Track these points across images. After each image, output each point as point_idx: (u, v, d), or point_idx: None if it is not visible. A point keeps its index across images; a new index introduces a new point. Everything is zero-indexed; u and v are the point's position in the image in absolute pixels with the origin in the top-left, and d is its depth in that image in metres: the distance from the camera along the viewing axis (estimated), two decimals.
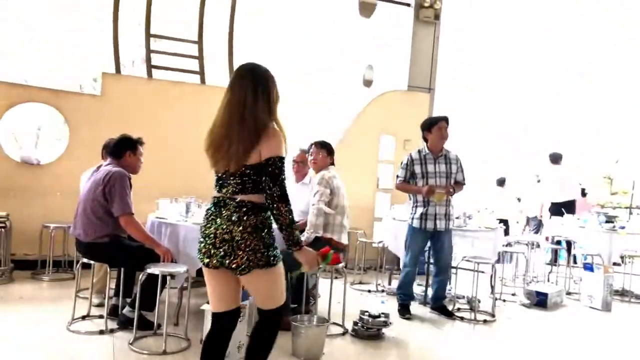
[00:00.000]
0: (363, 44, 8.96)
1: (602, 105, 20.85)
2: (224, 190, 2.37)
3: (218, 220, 2.32)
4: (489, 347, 4.30)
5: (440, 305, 4.99)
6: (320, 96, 21.95)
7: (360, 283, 5.99)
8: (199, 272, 4.76)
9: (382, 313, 4.21)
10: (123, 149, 4.02)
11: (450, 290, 5.55)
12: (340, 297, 4.37)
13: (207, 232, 2.36)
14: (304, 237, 4.04)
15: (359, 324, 4.15)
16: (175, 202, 4.52)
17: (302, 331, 3.59)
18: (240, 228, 2.28)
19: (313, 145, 4.52)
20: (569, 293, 6.13)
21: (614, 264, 6.80)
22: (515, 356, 4.10)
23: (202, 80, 6.71)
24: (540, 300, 5.50)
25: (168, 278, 3.58)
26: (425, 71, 7.34)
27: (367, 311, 4.20)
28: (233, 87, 2.36)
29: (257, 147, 2.28)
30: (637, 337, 4.86)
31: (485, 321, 4.84)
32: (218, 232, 2.31)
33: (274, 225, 2.37)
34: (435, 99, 7.50)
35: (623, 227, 6.30)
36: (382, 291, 5.72)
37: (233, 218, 2.29)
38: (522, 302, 5.60)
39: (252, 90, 2.32)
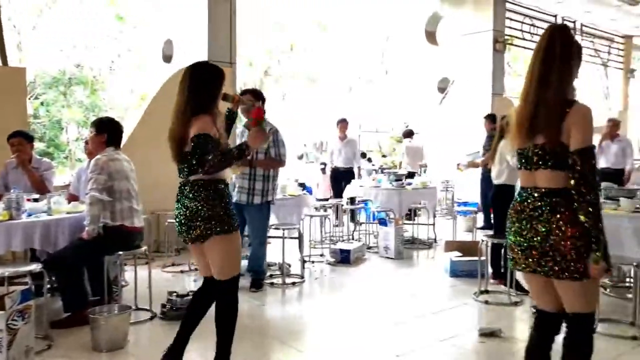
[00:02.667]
0: (162, 18, 8.55)
1: (395, 75, 22.96)
2: (181, 175, 2.78)
3: (181, 201, 2.74)
4: (298, 306, 4.57)
5: (255, 279, 4.94)
6: (126, 77, 20.53)
7: (173, 265, 5.84)
8: None
9: (191, 291, 4.15)
10: None
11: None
12: (150, 282, 4.22)
13: (176, 214, 2.80)
14: (87, 229, 3.77)
15: (167, 306, 4.04)
16: None
17: (101, 322, 3.38)
18: (195, 202, 2.67)
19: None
20: (369, 247, 6.75)
21: (406, 216, 7.67)
22: (321, 309, 4.41)
23: None
24: (344, 257, 5.96)
25: None
26: (225, 44, 7.27)
27: (175, 292, 4.10)
28: (178, 87, 2.75)
29: (185, 139, 2.66)
30: (421, 275, 5.57)
31: (294, 283, 5.10)
32: (181, 211, 2.74)
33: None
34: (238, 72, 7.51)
35: (410, 184, 7.10)
36: (196, 269, 5.65)
37: (190, 196, 2.69)
38: (329, 260, 6.02)
39: (190, 89, 2.69)
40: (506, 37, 10.55)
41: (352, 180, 7.97)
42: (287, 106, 19.60)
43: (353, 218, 7.70)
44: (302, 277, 5.27)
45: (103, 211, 3.85)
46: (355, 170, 8.43)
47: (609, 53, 14.14)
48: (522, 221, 2.15)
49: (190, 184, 2.72)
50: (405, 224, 7.04)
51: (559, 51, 2.13)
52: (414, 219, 7.91)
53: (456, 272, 5.30)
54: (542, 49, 2.17)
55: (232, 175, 4.73)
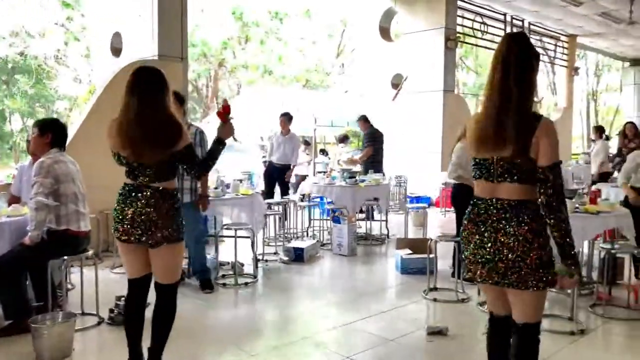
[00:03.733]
0: (110, 10, 8.27)
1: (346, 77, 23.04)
2: (140, 179, 2.74)
3: (135, 204, 2.70)
4: (251, 307, 4.56)
5: (202, 279, 4.88)
6: (73, 67, 19.84)
7: (122, 266, 5.69)
8: None
9: None
10: None
11: (214, 258, 5.64)
12: (99, 285, 4.13)
13: (123, 214, 2.73)
14: (30, 234, 3.62)
15: (115, 311, 3.96)
16: None
17: (43, 332, 3.27)
18: (157, 211, 2.70)
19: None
20: (323, 244, 6.79)
21: (361, 211, 7.76)
22: (274, 310, 4.42)
23: None
24: (298, 255, 5.98)
25: None
26: (176, 40, 7.11)
27: (123, 296, 4.00)
28: (139, 89, 2.69)
29: (175, 147, 2.70)
30: (373, 273, 5.68)
31: (246, 284, 5.08)
32: (136, 214, 2.70)
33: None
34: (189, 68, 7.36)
35: (363, 181, 7.18)
36: None
37: (151, 202, 2.70)
38: (283, 259, 6.02)
39: (161, 93, 2.73)
40: (458, 35, 10.76)
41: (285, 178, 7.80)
42: (242, 99, 19.37)
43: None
44: (255, 277, 5.26)
45: (48, 215, 3.71)
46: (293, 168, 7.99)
47: (555, 51, 14.67)
48: (484, 233, 2.11)
49: (152, 190, 2.72)
50: (358, 220, 7.12)
51: (518, 61, 2.09)
52: (372, 216, 8.00)
53: (406, 269, 5.41)
54: (501, 59, 2.12)
55: None
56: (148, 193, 2.72)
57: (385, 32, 11.43)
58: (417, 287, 4.94)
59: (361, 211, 7.90)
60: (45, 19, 18.38)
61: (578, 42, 14.92)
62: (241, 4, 17.83)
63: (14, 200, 4.55)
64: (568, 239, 2.03)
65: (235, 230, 5.13)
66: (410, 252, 5.54)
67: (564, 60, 14.84)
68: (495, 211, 2.09)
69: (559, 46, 14.55)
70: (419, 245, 5.55)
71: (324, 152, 13.34)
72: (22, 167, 4.90)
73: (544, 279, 2.06)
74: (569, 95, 15.24)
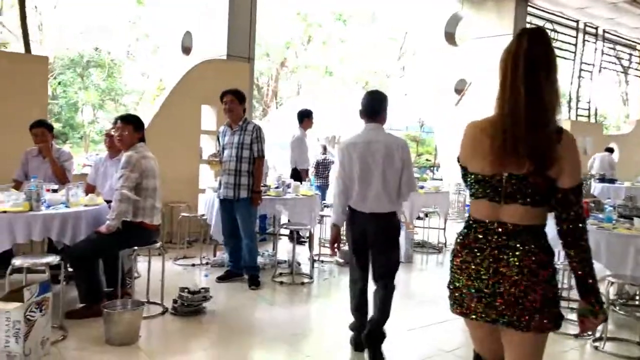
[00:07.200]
0: (181, 10, 8.58)
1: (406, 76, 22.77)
2: None
3: None
4: (307, 307, 4.62)
5: (252, 275, 5.00)
6: (142, 62, 20.62)
7: (185, 257, 5.91)
8: None
9: (202, 288, 4.23)
10: None
11: (273, 256, 5.76)
12: (163, 277, 4.30)
13: None
14: (109, 223, 3.83)
15: (178, 302, 4.12)
16: None
17: (114, 317, 3.46)
18: None
19: (118, 120, 4.17)
20: None
21: (418, 218, 7.69)
22: (329, 312, 4.47)
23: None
24: None
25: None
26: (244, 41, 7.31)
27: (186, 288, 4.17)
28: None
29: None
30: (429, 281, 5.61)
31: (302, 283, 5.15)
32: None
33: None
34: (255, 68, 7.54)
35: (422, 187, 7.11)
36: (207, 264, 5.73)
37: None
38: (338, 261, 6.06)
39: None
40: None
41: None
42: (301, 99, 19.60)
43: None
44: (311, 277, 5.33)
45: (128, 207, 3.92)
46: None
47: (630, 61, 13.99)
48: (482, 263, 1.78)
49: None
50: (416, 227, 7.06)
51: (546, 61, 1.76)
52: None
53: None
54: (524, 58, 1.75)
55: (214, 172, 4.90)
56: None
57: (450, 37, 11.26)
58: None
59: (419, 218, 7.83)
60: (119, 15, 19.27)
61: None
62: (306, 5, 18.03)
63: (90, 189, 4.81)
64: (591, 272, 1.75)
65: (296, 232, 5.21)
66: None
67: (639, 70, 14.12)
68: (496, 237, 1.77)
69: (634, 55, 13.86)
70: None
71: None
72: (98, 161, 5.19)
73: (549, 319, 1.74)
74: None
